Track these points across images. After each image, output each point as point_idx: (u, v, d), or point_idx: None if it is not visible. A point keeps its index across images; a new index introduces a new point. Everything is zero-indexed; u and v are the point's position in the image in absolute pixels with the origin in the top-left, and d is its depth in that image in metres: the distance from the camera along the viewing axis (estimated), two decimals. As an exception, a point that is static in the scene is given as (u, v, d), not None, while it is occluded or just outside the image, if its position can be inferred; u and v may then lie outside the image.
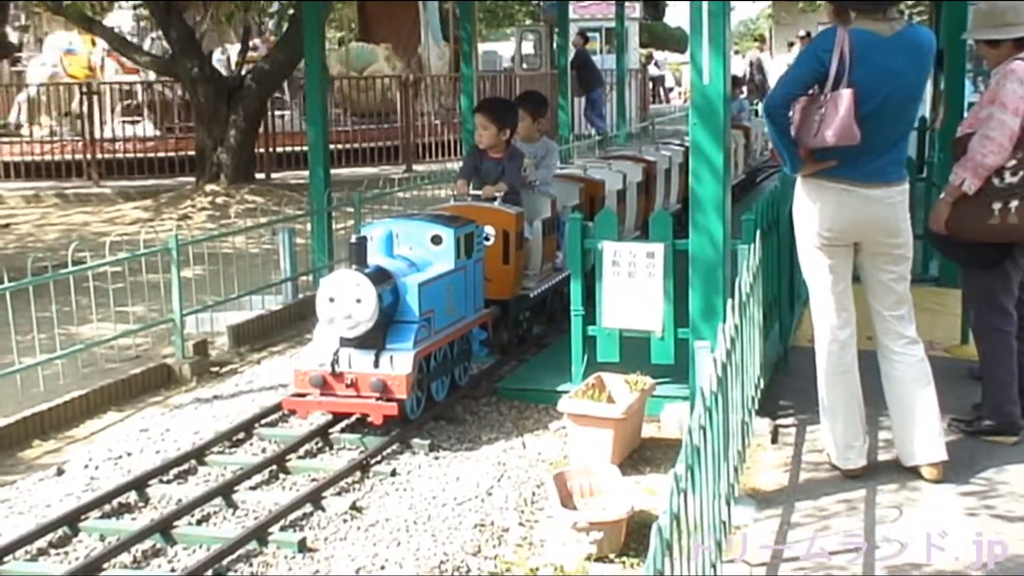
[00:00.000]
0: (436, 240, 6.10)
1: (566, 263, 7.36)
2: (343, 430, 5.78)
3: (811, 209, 4.93)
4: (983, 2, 5.28)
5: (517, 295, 6.86)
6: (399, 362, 5.54)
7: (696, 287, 5.45)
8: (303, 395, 5.67)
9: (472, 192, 7.02)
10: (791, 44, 27.57)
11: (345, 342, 5.60)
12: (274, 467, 5.36)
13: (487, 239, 6.61)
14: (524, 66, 25.81)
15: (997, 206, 5.15)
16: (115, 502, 4.98)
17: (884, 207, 4.85)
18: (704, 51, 5.27)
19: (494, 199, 6.85)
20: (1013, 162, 5.11)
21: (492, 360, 6.80)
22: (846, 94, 4.61)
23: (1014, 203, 5.18)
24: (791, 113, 4.87)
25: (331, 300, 5.56)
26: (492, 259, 6.63)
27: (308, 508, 4.86)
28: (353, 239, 5.71)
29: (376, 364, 5.55)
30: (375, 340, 5.59)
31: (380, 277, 5.62)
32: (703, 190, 5.39)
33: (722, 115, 5.32)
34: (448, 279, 6.01)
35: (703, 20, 5.25)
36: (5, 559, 4.38)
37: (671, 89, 41.10)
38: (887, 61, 4.68)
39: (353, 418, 5.80)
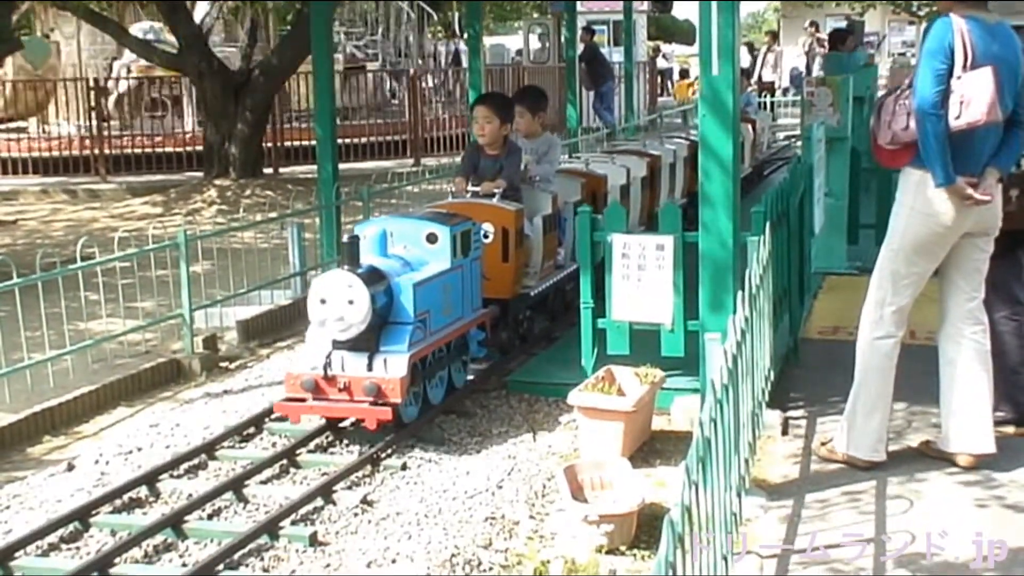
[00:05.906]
0: (431, 238, 5.91)
1: (568, 260, 7.32)
2: (352, 425, 5.77)
3: (934, 210, 4.79)
4: None
5: (517, 294, 6.68)
6: (393, 365, 5.39)
7: (706, 280, 5.45)
8: (296, 399, 5.55)
9: (471, 189, 6.80)
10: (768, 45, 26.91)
11: (338, 345, 5.44)
12: (284, 461, 5.37)
13: (485, 237, 6.42)
14: (531, 59, 25.77)
15: (1014, 192, 5.14)
16: (126, 497, 5.00)
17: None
18: (714, 45, 5.26)
19: (493, 195, 6.65)
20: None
21: (492, 361, 6.64)
22: (988, 71, 4.57)
23: (1030, 189, 5.18)
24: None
25: (322, 302, 5.39)
26: (491, 257, 6.44)
27: (319, 502, 4.87)
28: (345, 238, 5.56)
29: (370, 367, 5.40)
30: (368, 342, 5.42)
31: (373, 277, 5.44)
32: (712, 182, 5.38)
33: (731, 108, 5.31)
34: (444, 279, 5.83)
35: (712, 14, 5.24)
36: (16, 554, 4.40)
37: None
38: (997, 48, 4.68)
39: (348, 422, 5.74)
